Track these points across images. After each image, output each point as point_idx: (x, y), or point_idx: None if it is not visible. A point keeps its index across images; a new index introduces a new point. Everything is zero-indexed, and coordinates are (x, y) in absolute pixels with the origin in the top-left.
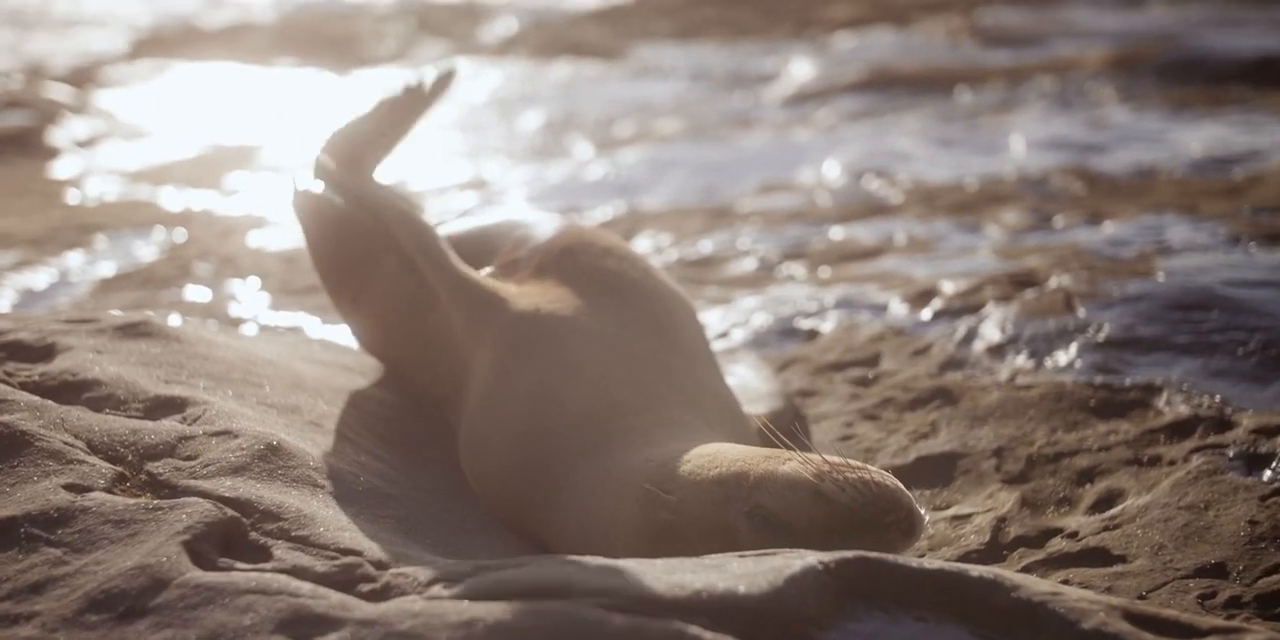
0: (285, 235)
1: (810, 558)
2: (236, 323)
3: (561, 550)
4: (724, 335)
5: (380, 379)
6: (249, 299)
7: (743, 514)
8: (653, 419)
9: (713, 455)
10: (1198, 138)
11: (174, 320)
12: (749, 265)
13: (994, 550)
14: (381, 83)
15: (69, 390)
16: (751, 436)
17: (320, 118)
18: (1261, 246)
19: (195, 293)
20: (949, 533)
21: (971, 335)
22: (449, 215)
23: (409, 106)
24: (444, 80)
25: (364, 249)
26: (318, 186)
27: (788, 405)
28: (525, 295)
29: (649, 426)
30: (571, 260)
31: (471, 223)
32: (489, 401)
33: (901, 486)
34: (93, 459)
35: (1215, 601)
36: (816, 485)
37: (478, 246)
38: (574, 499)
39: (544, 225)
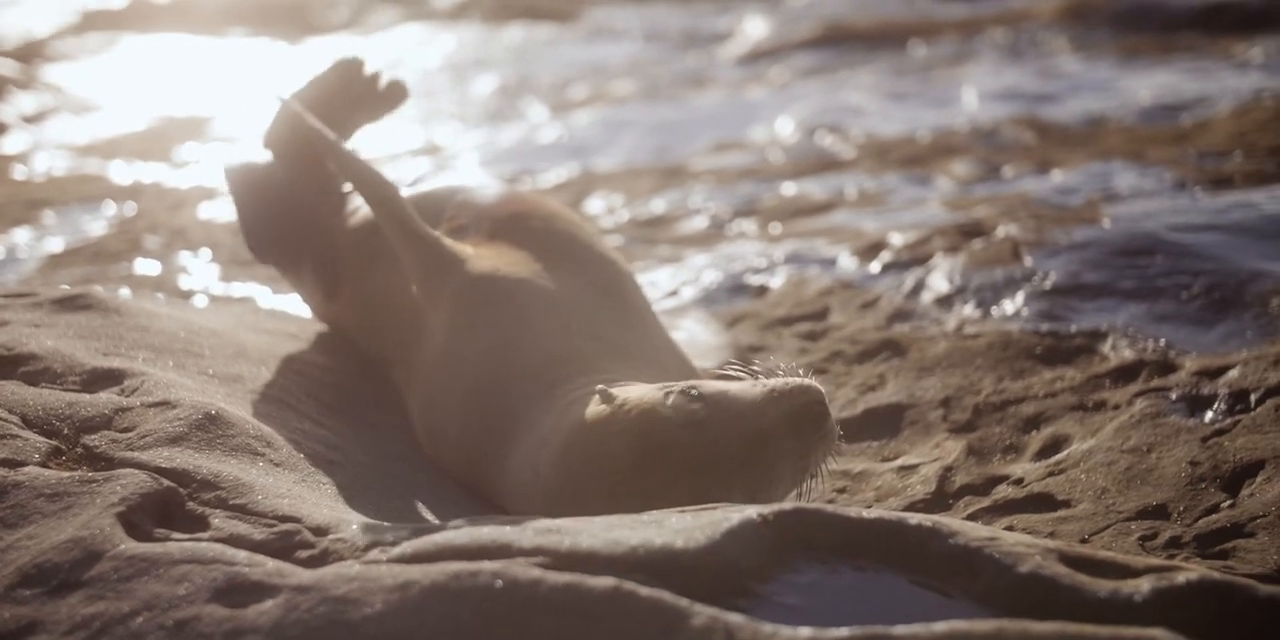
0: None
1: (748, 511)
2: (187, 295)
3: (515, 505)
4: (674, 293)
5: (326, 347)
6: (199, 271)
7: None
8: (609, 370)
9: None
10: (1147, 85)
11: (123, 294)
12: (700, 223)
13: (940, 499)
14: (333, 51)
15: (4, 365)
16: None
17: (272, 87)
18: (1206, 191)
19: (145, 266)
20: (896, 483)
21: (919, 287)
22: (403, 182)
23: (357, 87)
24: (396, 88)
25: (305, 216)
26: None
27: (738, 356)
28: (483, 257)
29: (604, 375)
30: (523, 225)
31: (410, 189)
32: (446, 358)
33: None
34: (27, 433)
35: (1156, 542)
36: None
37: (418, 212)
38: (526, 448)
39: (485, 191)
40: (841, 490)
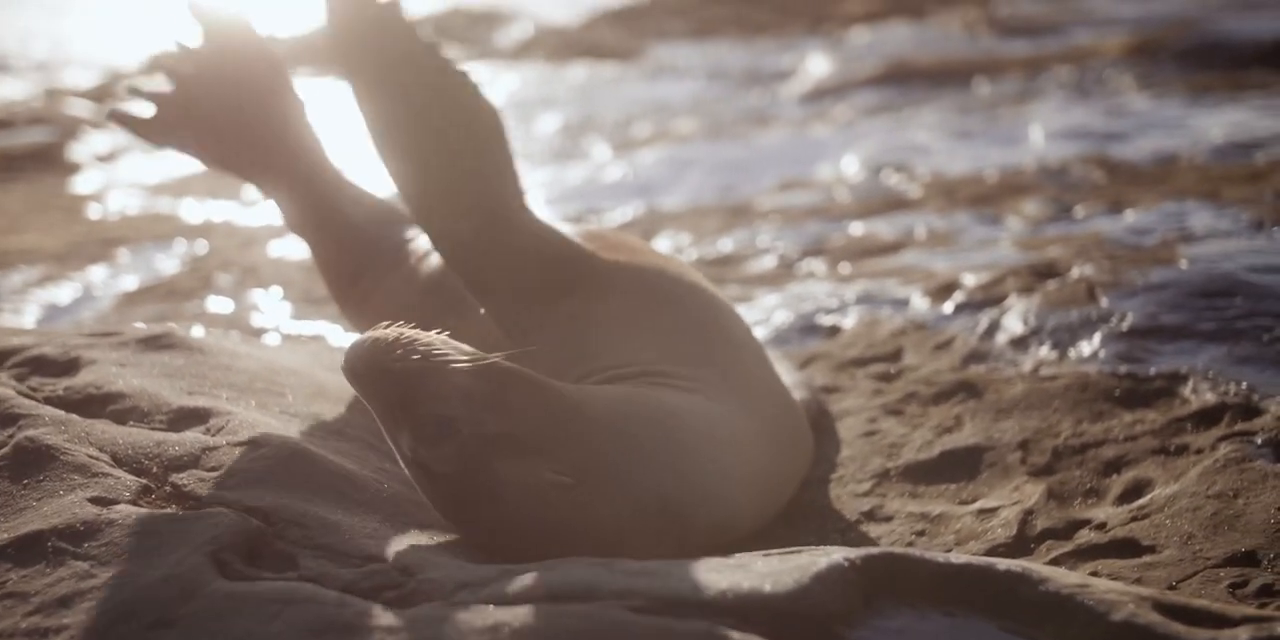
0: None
1: (836, 555)
2: (259, 333)
3: None
4: None
5: None
6: (271, 309)
7: None
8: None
9: None
10: (1219, 123)
11: (197, 332)
12: (769, 263)
13: (1021, 543)
14: None
15: (93, 404)
16: (798, 423)
17: (339, 126)
18: None
19: (218, 304)
20: (976, 526)
21: (994, 327)
22: None
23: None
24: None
25: (369, 258)
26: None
27: (812, 397)
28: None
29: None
30: None
31: None
32: None
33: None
34: (118, 472)
35: (1247, 590)
36: None
37: None
38: None
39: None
40: (920, 533)
